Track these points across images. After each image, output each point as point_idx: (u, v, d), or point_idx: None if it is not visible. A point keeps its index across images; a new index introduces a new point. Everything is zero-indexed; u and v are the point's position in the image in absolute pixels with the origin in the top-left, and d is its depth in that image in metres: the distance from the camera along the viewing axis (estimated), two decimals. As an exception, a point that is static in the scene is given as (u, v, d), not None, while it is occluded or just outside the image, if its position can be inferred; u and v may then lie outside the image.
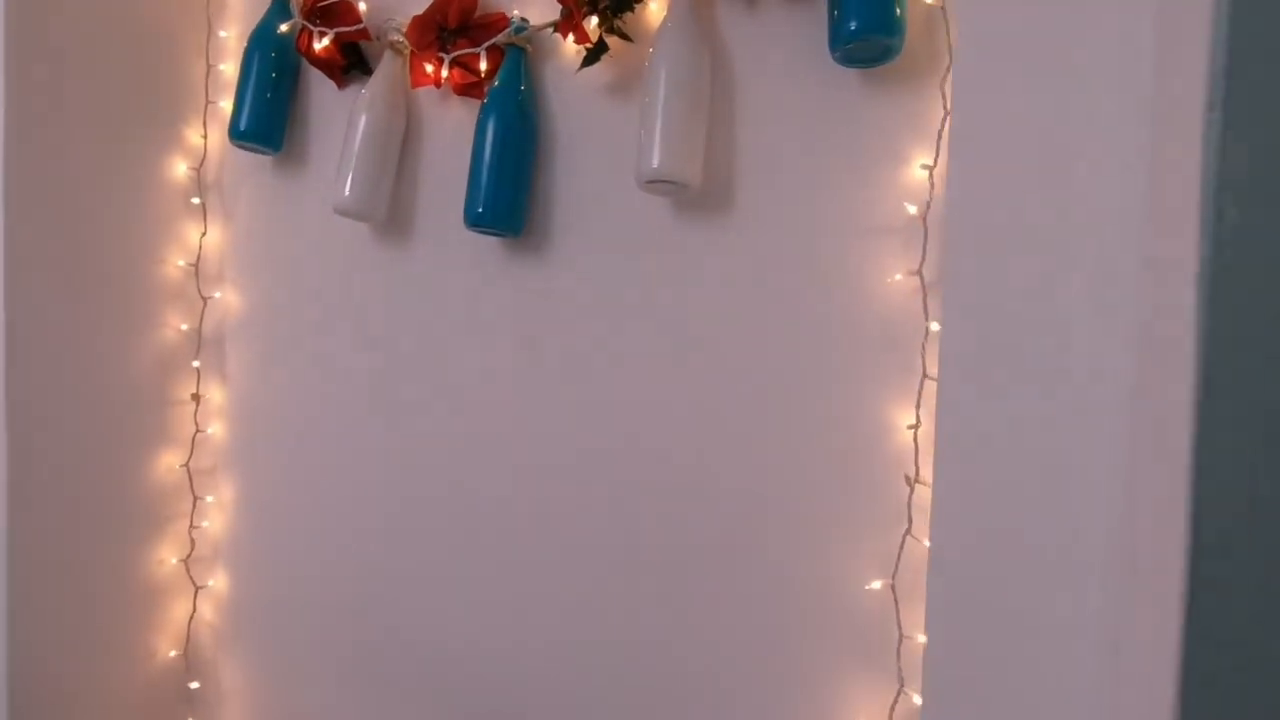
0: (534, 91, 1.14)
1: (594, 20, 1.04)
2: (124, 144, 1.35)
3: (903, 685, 0.92)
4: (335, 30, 1.22)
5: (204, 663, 1.47)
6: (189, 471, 1.44)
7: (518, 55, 1.13)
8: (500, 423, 1.20)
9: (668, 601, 1.07)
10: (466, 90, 1.16)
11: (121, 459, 1.38)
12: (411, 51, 1.20)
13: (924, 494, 0.89)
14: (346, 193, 1.20)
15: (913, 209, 0.91)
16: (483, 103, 1.14)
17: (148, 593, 1.42)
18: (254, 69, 1.30)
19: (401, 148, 1.24)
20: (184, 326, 1.44)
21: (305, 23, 1.24)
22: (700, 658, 1.05)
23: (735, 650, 1.03)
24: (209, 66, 1.43)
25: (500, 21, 1.15)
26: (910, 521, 0.91)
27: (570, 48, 1.13)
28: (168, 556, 1.44)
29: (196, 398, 1.44)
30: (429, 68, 1.18)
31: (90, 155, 1.30)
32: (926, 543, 0.89)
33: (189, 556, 1.45)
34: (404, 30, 1.18)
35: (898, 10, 0.87)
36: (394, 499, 1.29)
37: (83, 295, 1.31)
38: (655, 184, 1.00)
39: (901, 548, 0.92)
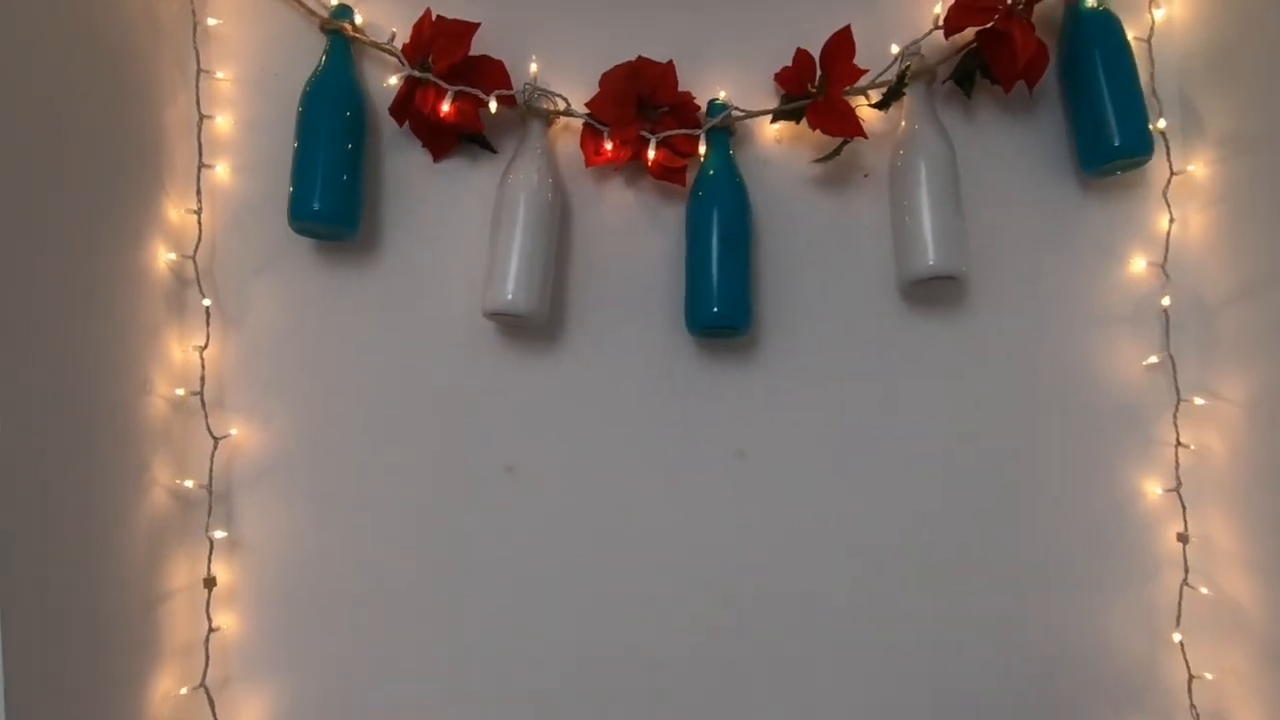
0: (745, 181, 1.04)
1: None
2: (83, 226, 0.90)
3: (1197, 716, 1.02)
4: (494, 93, 0.98)
5: None
6: (207, 692, 0.98)
7: (726, 139, 1.04)
8: (698, 538, 1.05)
9: (917, 688, 1.04)
10: (666, 174, 1.02)
11: (111, 694, 0.89)
12: (586, 124, 1.02)
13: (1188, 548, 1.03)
14: (510, 292, 0.96)
15: (1166, 300, 1.04)
16: (697, 192, 1.01)
17: None
18: (323, 132, 0.98)
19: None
20: (188, 483, 0.99)
21: (429, 78, 0.98)
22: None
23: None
24: (201, 117, 1.03)
25: (689, 100, 1.04)
26: (1186, 573, 1.03)
27: (768, 134, 1.07)
28: (175, 831, 0.96)
29: (211, 581, 0.99)
30: (609, 144, 1.01)
31: (28, 245, 0.84)
32: (1204, 590, 1.02)
33: (214, 820, 0.98)
34: (552, 95, 1.01)
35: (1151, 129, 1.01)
36: (536, 658, 1.03)
37: (44, 454, 0.83)
38: (926, 281, 1.00)
39: (1180, 597, 1.03)
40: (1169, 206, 1.05)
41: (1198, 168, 1.05)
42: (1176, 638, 1.03)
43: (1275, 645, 0.95)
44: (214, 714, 0.99)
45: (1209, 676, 1.03)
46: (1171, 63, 1.07)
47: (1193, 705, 1.03)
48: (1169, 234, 1.05)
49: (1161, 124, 1.05)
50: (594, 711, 1.04)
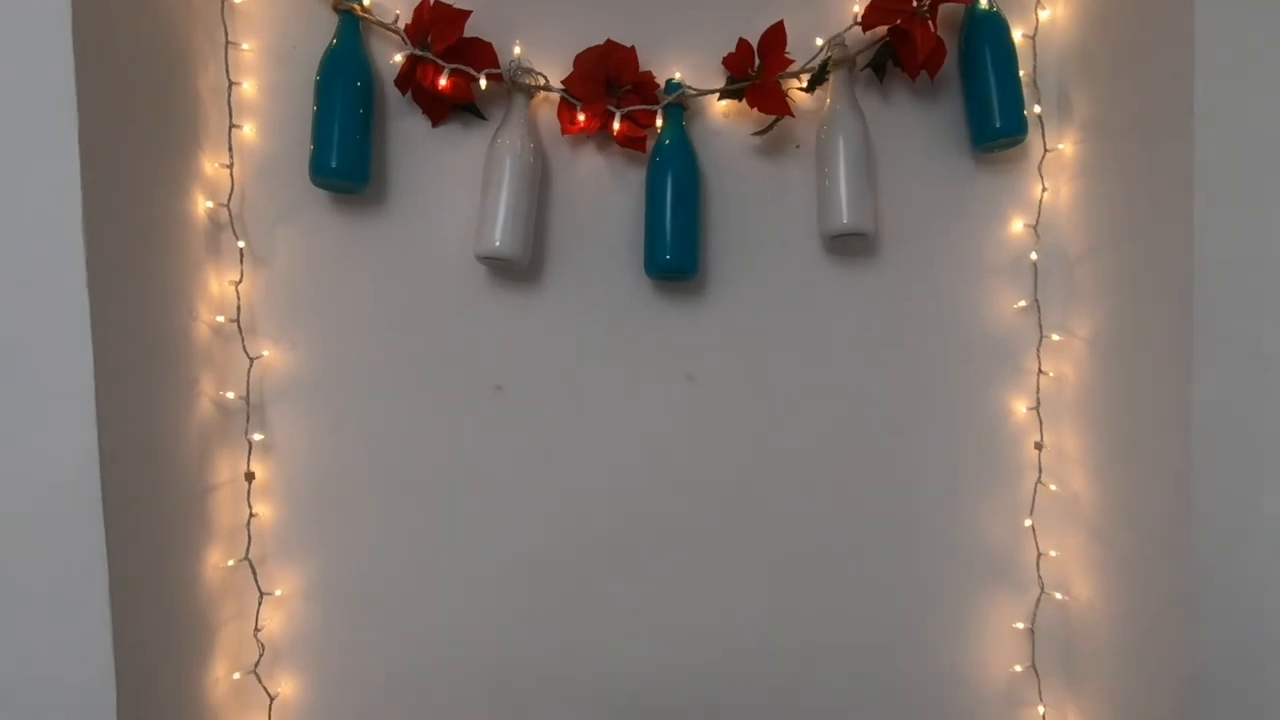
0: (696, 148, 1.25)
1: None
2: (135, 180, 1.07)
3: (1043, 589, 1.29)
4: (483, 72, 1.16)
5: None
6: (250, 564, 1.20)
7: (680, 113, 1.23)
8: (654, 443, 1.28)
9: (831, 567, 1.30)
10: (630, 141, 1.22)
11: (165, 565, 1.11)
12: (563, 99, 1.21)
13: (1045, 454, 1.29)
14: (498, 239, 1.17)
15: (1034, 256, 1.28)
16: (652, 157, 1.22)
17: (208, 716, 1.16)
18: (337, 99, 1.16)
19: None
20: (229, 394, 1.20)
21: (429, 56, 1.16)
22: (868, 602, 1.30)
23: (900, 588, 1.30)
24: (230, 84, 1.20)
25: (650, 80, 1.23)
26: (1040, 473, 1.29)
27: (717, 110, 1.27)
28: (227, 672, 1.19)
29: (250, 475, 1.21)
30: (582, 116, 1.20)
31: (108, 197, 1.02)
32: (1055, 487, 1.28)
33: (257, 665, 1.21)
34: (534, 73, 1.20)
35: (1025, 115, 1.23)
36: (519, 543, 1.27)
37: (123, 374, 1.02)
38: (841, 236, 1.22)
39: (1034, 493, 1.29)
40: (1042, 178, 1.28)
41: (1066, 146, 1.28)
42: (1028, 523, 1.29)
43: (1102, 529, 1.22)
44: (256, 583, 1.21)
45: (1054, 554, 1.30)
46: (1051, 57, 1.29)
47: (1040, 576, 1.30)
48: (1041, 201, 1.28)
49: (1037, 109, 1.26)
50: (568, 575, 1.28)
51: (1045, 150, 1.28)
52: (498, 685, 1.27)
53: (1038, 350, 1.29)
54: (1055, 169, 1.29)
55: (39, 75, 0.90)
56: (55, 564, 0.94)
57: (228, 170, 1.20)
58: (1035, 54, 1.27)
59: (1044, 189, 1.28)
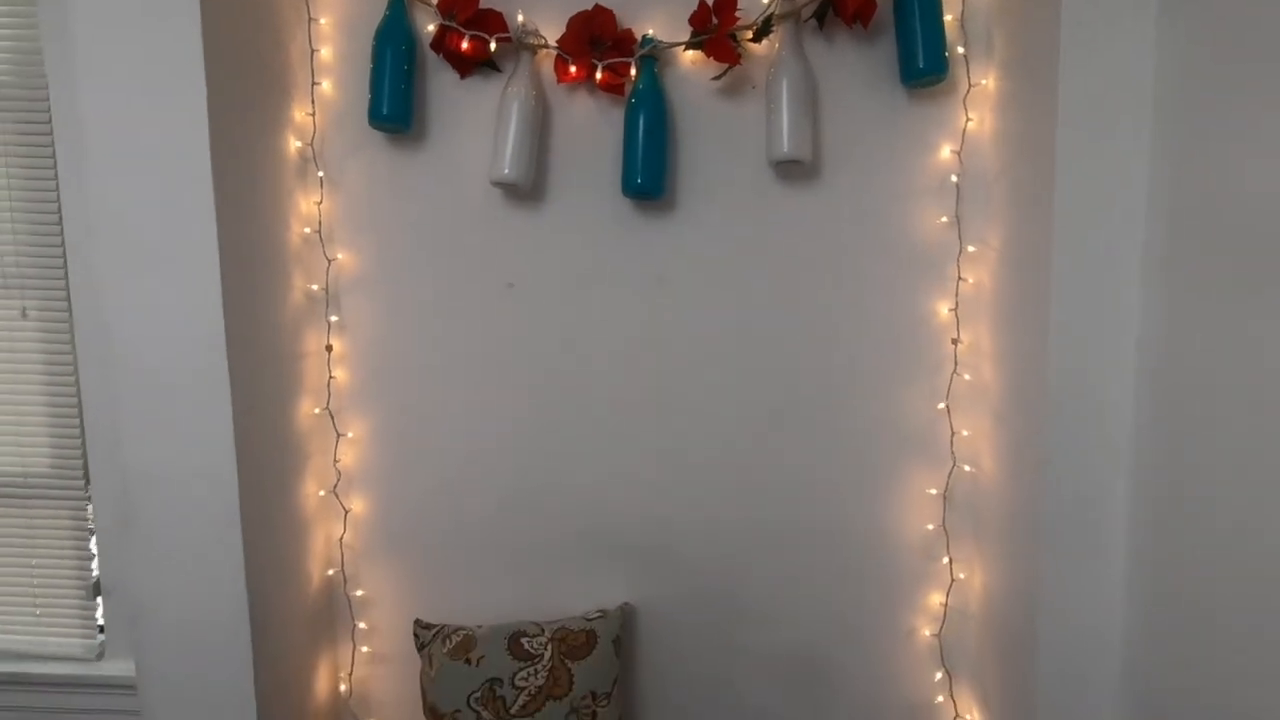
0: (667, 90, 1.53)
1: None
2: (246, 125, 1.47)
3: (955, 461, 1.54)
4: (495, 36, 1.49)
5: (361, 572, 1.70)
6: (330, 413, 1.64)
7: (652, 64, 1.52)
8: (633, 332, 1.61)
9: (779, 438, 1.60)
10: (611, 87, 1.52)
11: (272, 408, 1.54)
12: (558, 55, 1.52)
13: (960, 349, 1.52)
14: (507, 167, 1.50)
15: (954, 178, 1.49)
16: (628, 99, 1.51)
17: (304, 521, 1.61)
18: (388, 60, 1.51)
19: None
20: (314, 286, 1.61)
21: (454, 25, 1.49)
22: (808, 465, 1.59)
23: (835, 456, 1.58)
24: (312, 50, 1.58)
25: (629, 36, 1.52)
26: (956, 365, 1.52)
27: (686, 59, 1.54)
28: (314, 490, 1.63)
29: (329, 347, 1.63)
30: (573, 68, 1.51)
31: (229, 137, 1.41)
32: (968, 376, 1.52)
33: (336, 485, 1.65)
34: (536, 34, 1.50)
35: (948, 56, 1.43)
36: (529, 405, 1.64)
37: (244, 270, 1.44)
38: (784, 163, 1.48)
39: (950, 380, 1.53)
40: (966, 110, 1.48)
41: (988, 82, 1.47)
42: (941, 405, 1.54)
43: (1003, 412, 1.45)
44: (334, 427, 1.64)
45: (965, 433, 1.54)
46: (980, 1, 1.47)
47: (953, 452, 1.55)
48: (965, 130, 1.49)
49: (960, 50, 1.46)
50: (562, 424, 1.64)
51: (970, 85, 1.48)
52: (507, 502, 1.66)
53: (958, 260, 1.52)
54: (979, 101, 1.49)
55: (177, 48, 1.30)
56: (196, 395, 1.37)
57: (311, 117, 1.60)
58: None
59: (968, 119, 1.49)
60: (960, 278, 1.52)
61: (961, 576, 1.58)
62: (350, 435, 1.66)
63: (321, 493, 1.65)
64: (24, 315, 1.63)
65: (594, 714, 1.53)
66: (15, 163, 1.60)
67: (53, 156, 1.59)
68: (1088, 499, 1.26)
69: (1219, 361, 1.05)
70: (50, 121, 1.58)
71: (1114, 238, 1.23)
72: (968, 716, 1.61)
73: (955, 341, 1.53)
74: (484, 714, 1.50)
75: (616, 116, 1.56)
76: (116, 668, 1.67)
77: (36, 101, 1.57)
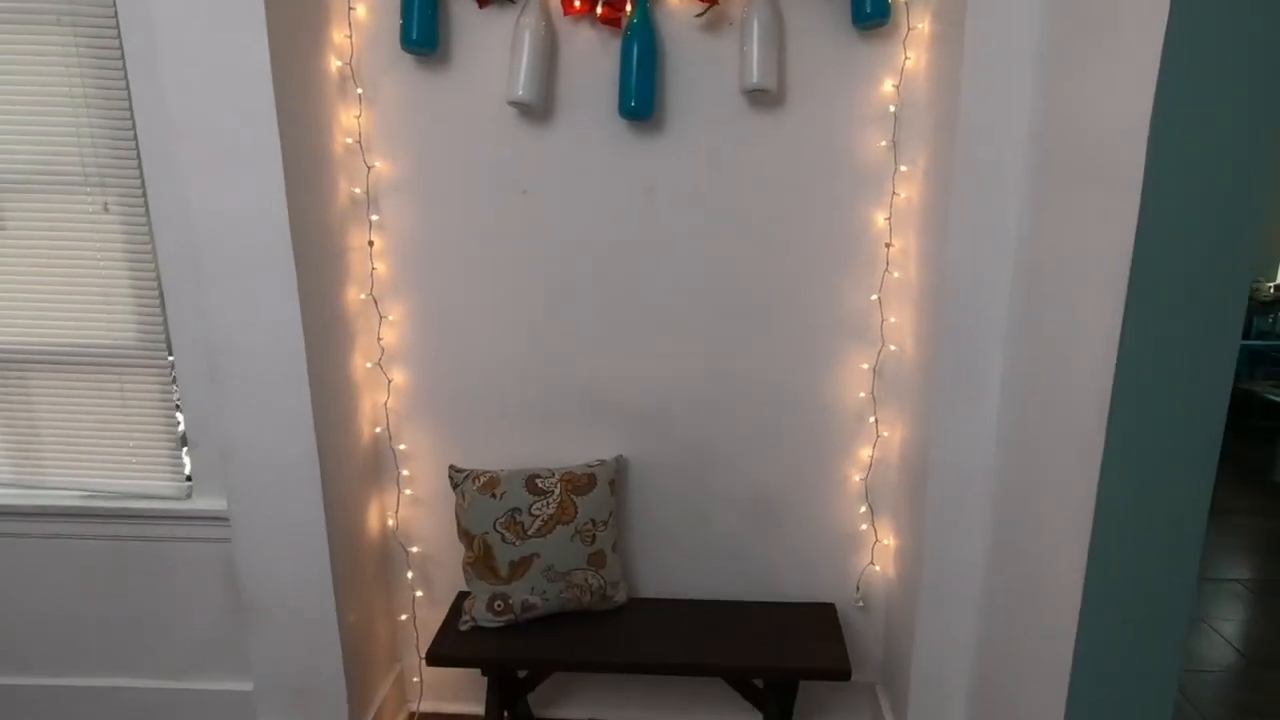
0: (658, 25, 1.80)
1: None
2: (296, 42, 1.72)
3: (884, 343, 1.92)
4: (511, -27, 1.74)
5: (402, 430, 2.07)
6: (373, 299, 1.96)
7: (645, 1, 1.78)
8: (627, 233, 1.93)
9: (744, 321, 1.96)
10: (609, 21, 1.78)
11: (327, 292, 1.86)
12: (566, -9, 1.78)
13: (891, 252, 1.87)
14: (521, 89, 1.78)
15: (891, 108, 1.80)
16: (624, 32, 1.78)
17: (355, 387, 1.96)
18: (417, -8, 1.76)
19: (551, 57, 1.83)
20: (356, 190, 1.90)
21: (475, -37, 1.74)
22: (766, 344, 1.97)
23: (789, 336, 1.95)
24: (348, -21, 1.82)
25: (627, -25, 1.77)
26: (888, 264, 1.88)
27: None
28: (361, 363, 1.98)
29: (371, 243, 1.93)
30: (577, 2, 1.77)
31: (283, 52, 1.67)
32: (897, 274, 1.87)
33: (380, 359, 2.00)
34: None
35: (891, 2, 1.71)
36: (540, 293, 1.98)
37: (301, 172, 1.72)
38: (753, 91, 1.77)
39: (883, 277, 1.89)
40: (905, 50, 1.78)
41: (923, 26, 1.76)
42: (874, 297, 1.90)
43: (920, 302, 1.81)
44: (377, 310, 1.98)
45: (893, 320, 1.91)
46: (923, -45, 1.75)
47: (883, 336, 1.92)
48: (904, 67, 1.79)
49: (903, -3, 1.75)
50: (568, 311, 1.99)
51: (909, 28, 1.77)
52: (522, 373, 2.03)
53: (893, 178, 1.85)
54: (916, 42, 1.78)
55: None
56: (268, 278, 1.68)
57: (349, 40, 1.84)
58: (909, -47, 1.74)
59: (906, 58, 1.78)
60: (895, 192, 1.85)
61: (885, 434, 1.99)
62: (390, 318, 1.99)
63: (368, 365, 2.00)
64: (105, 209, 1.90)
65: (594, 536, 1.94)
66: (88, 72, 1.83)
67: (123, 65, 1.82)
68: (970, 367, 1.65)
69: (1065, 248, 1.40)
70: (118, 30, 1.80)
71: (1000, 158, 1.55)
72: (885, 540, 2.05)
73: (888, 245, 1.87)
74: (507, 535, 1.91)
75: (615, 48, 1.83)
76: (202, 504, 2.04)
77: (104, 8, 1.79)
